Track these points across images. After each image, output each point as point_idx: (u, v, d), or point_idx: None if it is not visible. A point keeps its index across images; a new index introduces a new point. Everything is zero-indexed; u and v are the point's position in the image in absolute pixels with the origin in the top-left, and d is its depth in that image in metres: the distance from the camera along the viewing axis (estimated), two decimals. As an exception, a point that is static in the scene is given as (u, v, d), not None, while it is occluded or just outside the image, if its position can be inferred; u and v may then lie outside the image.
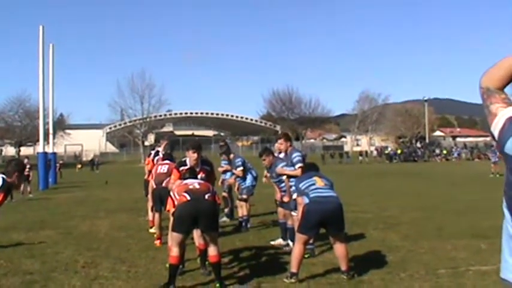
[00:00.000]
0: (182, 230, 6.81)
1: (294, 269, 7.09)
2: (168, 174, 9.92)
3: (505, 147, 2.20)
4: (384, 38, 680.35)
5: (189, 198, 6.80)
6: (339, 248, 7.24)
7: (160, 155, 12.49)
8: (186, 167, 7.88)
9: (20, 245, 10.37)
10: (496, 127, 2.25)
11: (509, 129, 2.20)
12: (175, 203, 6.94)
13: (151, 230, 11.08)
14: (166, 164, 10.64)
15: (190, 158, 8.07)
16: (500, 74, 2.30)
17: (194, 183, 7.09)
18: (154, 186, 10.42)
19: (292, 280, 6.99)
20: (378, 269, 7.68)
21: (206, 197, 6.84)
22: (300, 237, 7.18)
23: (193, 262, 8.04)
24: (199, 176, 7.66)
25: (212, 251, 6.88)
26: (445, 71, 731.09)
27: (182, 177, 7.55)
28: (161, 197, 9.88)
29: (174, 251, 6.78)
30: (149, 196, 12.00)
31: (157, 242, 10.16)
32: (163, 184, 9.93)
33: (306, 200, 7.17)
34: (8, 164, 5.79)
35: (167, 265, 7.10)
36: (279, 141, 9.50)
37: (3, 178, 5.48)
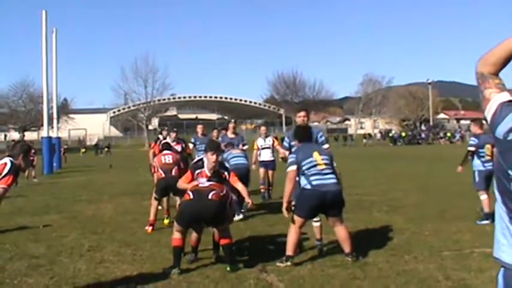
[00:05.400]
0: (182, 225, 6.94)
1: (289, 252, 7.07)
2: (174, 163, 10.44)
3: (496, 131, 2.29)
4: (388, 20, 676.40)
5: (191, 197, 6.85)
6: (340, 231, 7.22)
7: (161, 138, 12.82)
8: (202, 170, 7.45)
9: (25, 229, 10.43)
10: (489, 112, 2.34)
11: (500, 114, 2.29)
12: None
13: (165, 221, 10.71)
14: (169, 154, 10.79)
15: (209, 160, 7.30)
16: (494, 59, 2.38)
17: (204, 182, 7.05)
18: (163, 175, 10.43)
19: (288, 263, 6.97)
20: (383, 251, 7.69)
21: (210, 196, 6.78)
22: (296, 220, 7.16)
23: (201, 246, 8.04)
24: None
25: (223, 235, 6.99)
26: (450, 54, 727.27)
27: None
28: (168, 186, 10.06)
29: (176, 235, 6.93)
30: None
31: (148, 228, 10.10)
32: (173, 173, 10.25)
33: (308, 186, 7.10)
34: (13, 147, 5.76)
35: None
36: (303, 113, 8.45)
37: (11, 161, 5.46)
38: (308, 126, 8.13)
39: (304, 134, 7.66)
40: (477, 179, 10.35)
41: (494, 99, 2.33)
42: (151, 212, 10.37)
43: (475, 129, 10.73)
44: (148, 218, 10.29)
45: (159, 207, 10.52)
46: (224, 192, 7.01)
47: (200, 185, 6.98)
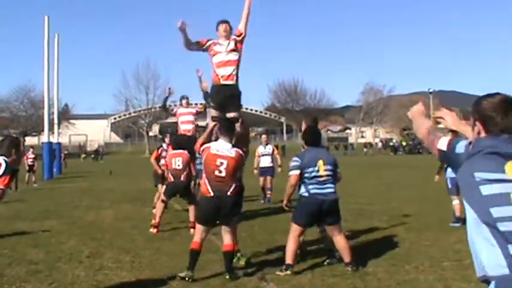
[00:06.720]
0: (205, 223, 6.92)
1: (289, 261, 7.05)
2: (184, 168, 10.61)
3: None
4: (389, 29, 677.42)
5: (212, 194, 6.81)
6: (339, 240, 7.20)
7: (164, 146, 12.89)
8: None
9: (25, 234, 10.40)
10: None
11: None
12: (202, 186, 7.06)
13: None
14: (180, 156, 10.83)
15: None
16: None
17: (222, 168, 6.82)
18: (172, 179, 10.71)
19: (288, 272, 6.94)
20: (383, 261, 7.66)
21: (229, 192, 6.82)
22: (295, 228, 7.14)
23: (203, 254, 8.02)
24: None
25: (227, 239, 6.91)
26: (450, 63, 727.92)
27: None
28: (176, 190, 10.69)
29: (196, 238, 6.90)
30: (158, 186, 12.48)
31: (154, 230, 10.43)
32: (182, 178, 10.57)
33: (305, 193, 7.12)
34: (2, 144, 5.60)
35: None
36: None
37: (5, 161, 5.36)
38: (318, 129, 8.07)
39: (312, 137, 7.57)
40: (449, 185, 11.02)
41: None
42: (157, 214, 10.71)
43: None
44: (153, 221, 10.65)
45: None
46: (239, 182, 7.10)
47: (216, 173, 6.80)
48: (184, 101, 12.46)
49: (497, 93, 2.67)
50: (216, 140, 7.23)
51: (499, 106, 2.59)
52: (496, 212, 2.39)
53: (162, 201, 10.81)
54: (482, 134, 2.63)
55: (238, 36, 7.58)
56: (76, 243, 9.45)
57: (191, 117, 12.11)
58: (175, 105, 14.10)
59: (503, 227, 2.38)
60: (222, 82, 7.52)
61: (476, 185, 2.46)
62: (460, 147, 2.66)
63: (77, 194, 19.35)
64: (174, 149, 11.19)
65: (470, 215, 2.52)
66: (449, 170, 10.79)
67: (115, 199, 17.10)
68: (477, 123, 2.66)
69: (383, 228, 10.53)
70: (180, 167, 10.67)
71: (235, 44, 7.57)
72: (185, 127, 11.98)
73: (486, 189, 2.43)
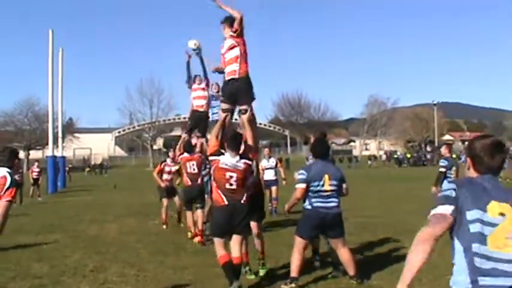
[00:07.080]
0: (220, 234, 6.86)
1: (294, 274, 7.03)
2: (199, 171, 10.95)
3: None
4: (392, 42, 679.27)
5: (226, 202, 6.79)
6: (344, 253, 7.18)
7: (169, 161, 13.00)
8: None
9: (29, 248, 10.41)
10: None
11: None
12: (214, 194, 7.00)
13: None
14: (193, 159, 11.03)
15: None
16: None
17: (233, 181, 6.83)
18: (189, 183, 10.94)
19: (293, 285, 6.93)
20: (387, 274, 7.62)
21: (242, 201, 6.84)
22: (299, 241, 7.12)
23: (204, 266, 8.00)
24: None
25: (235, 252, 6.83)
26: (454, 75, 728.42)
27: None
28: (193, 196, 10.90)
29: (219, 252, 6.81)
30: (163, 200, 12.55)
31: (196, 239, 10.63)
32: (198, 181, 10.91)
33: (308, 206, 7.12)
34: (2, 155, 5.59)
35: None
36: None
37: (9, 173, 5.38)
38: (327, 142, 8.07)
39: (321, 150, 7.54)
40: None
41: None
42: (189, 224, 11.13)
43: (446, 152, 11.66)
44: (189, 233, 11.07)
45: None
46: (249, 184, 7.09)
47: (227, 186, 6.80)
48: (197, 79, 12.76)
49: (490, 136, 3.13)
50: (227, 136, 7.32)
51: (488, 148, 3.01)
52: (475, 247, 2.80)
53: (187, 209, 11.15)
54: (471, 170, 3.07)
55: (234, 32, 7.76)
56: (80, 257, 9.45)
57: (202, 93, 12.47)
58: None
59: (477, 263, 2.80)
60: (227, 78, 7.81)
61: (467, 222, 2.84)
62: (451, 192, 2.97)
63: (81, 208, 19.36)
64: (189, 126, 11.75)
65: (458, 249, 2.91)
66: (444, 183, 10.64)
67: (119, 213, 17.10)
68: (468, 159, 3.11)
69: (387, 241, 10.49)
70: (196, 170, 10.93)
71: (233, 41, 7.76)
72: (197, 102, 12.33)
73: (472, 227, 2.82)
